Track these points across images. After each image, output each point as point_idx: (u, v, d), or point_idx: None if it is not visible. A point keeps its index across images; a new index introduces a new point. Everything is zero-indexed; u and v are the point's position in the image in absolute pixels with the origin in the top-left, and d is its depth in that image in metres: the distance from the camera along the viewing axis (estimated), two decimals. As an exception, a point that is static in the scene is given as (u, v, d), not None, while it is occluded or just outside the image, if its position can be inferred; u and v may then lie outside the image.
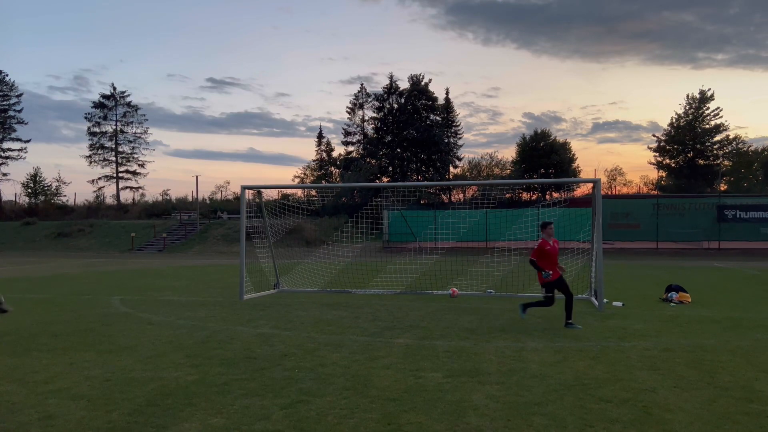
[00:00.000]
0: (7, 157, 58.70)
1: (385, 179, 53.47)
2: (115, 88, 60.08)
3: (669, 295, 11.81)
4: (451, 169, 57.28)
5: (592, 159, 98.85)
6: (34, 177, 58.71)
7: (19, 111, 58.39)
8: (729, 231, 29.91)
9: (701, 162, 52.24)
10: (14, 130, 58.38)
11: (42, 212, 52.05)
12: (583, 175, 53.52)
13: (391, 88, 55.25)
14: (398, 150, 54.73)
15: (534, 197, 49.66)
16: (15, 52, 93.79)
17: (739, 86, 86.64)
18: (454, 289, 13.01)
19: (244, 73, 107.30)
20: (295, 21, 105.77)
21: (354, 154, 55.85)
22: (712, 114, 51.79)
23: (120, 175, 61.03)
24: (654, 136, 54.73)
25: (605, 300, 11.15)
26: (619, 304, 11.27)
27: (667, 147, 53.23)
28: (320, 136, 59.89)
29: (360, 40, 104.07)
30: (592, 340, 7.94)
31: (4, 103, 57.70)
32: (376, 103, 55.85)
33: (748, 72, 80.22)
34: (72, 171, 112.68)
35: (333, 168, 57.64)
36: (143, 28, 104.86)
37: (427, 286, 14.26)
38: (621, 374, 6.07)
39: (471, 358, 6.82)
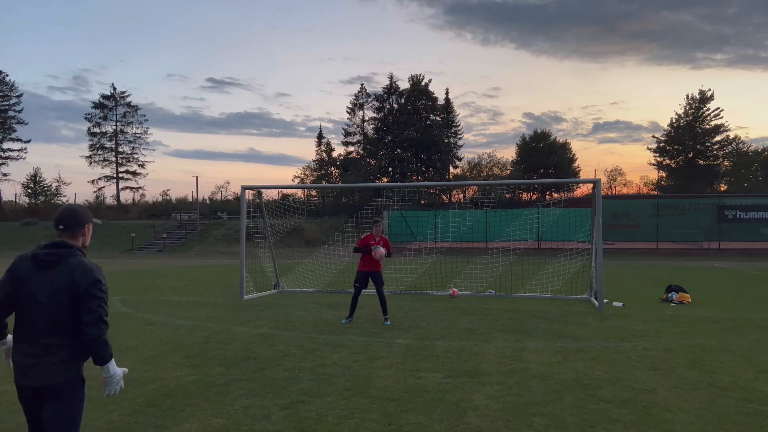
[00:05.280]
0: (7, 158, 58.57)
1: (384, 180, 53.44)
2: (115, 89, 59.98)
3: (669, 295, 11.82)
4: (451, 169, 57.28)
5: (593, 159, 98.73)
6: (34, 177, 58.62)
7: (19, 111, 58.34)
8: (729, 231, 29.89)
9: (701, 162, 52.21)
10: (14, 131, 58.26)
11: (42, 212, 51.94)
12: (583, 175, 53.55)
13: (391, 89, 55.22)
14: (398, 150, 54.69)
15: (534, 197, 49.65)
16: (14, 52, 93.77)
17: (738, 86, 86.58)
18: (454, 289, 13.01)
19: (243, 73, 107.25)
20: (293, 21, 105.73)
21: (354, 155, 55.82)
22: (712, 114, 51.81)
23: (120, 175, 60.97)
24: (654, 136, 54.74)
25: (605, 300, 11.15)
26: (619, 304, 11.28)
27: (667, 147, 53.24)
28: (320, 137, 59.79)
29: (359, 40, 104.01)
30: (593, 340, 7.94)
31: (4, 103, 57.59)
32: (376, 104, 55.81)
33: (747, 72, 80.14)
34: (72, 171, 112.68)
35: (333, 168, 57.61)
36: (143, 28, 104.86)
37: (427, 286, 14.26)
38: (621, 374, 6.07)
39: (471, 359, 6.82)
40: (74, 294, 2.89)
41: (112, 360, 2.98)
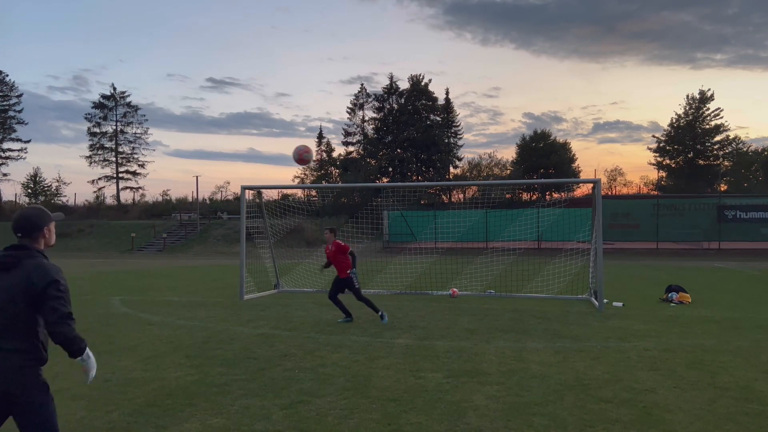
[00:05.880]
0: (7, 158, 58.62)
1: (384, 180, 53.44)
2: (115, 89, 59.97)
3: (669, 295, 11.82)
4: (451, 169, 57.29)
5: (593, 159, 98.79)
6: (34, 177, 58.62)
7: (19, 111, 58.35)
8: (729, 231, 29.90)
9: (701, 162, 52.24)
10: (14, 131, 58.27)
11: (42, 212, 51.95)
12: (583, 176, 53.50)
13: (391, 89, 55.21)
14: (398, 150, 54.70)
15: (534, 197, 49.65)
16: (14, 52, 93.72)
17: (738, 86, 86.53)
18: (455, 289, 13.01)
19: (243, 73, 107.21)
20: (293, 21, 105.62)
21: (354, 155, 55.83)
22: (712, 114, 51.83)
23: (120, 175, 60.96)
24: (654, 136, 54.79)
25: (605, 300, 11.14)
26: (619, 304, 11.27)
27: (667, 147, 53.26)
28: (320, 137, 59.88)
29: (359, 40, 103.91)
30: (593, 340, 7.94)
31: (4, 103, 57.55)
32: (376, 104, 55.82)
33: (747, 72, 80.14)
34: (72, 171, 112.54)
35: (333, 168, 57.61)
36: (143, 28, 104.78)
37: (427, 286, 14.26)
38: (621, 374, 6.07)
39: (471, 359, 6.82)
40: (31, 295, 2.84)
41: (87, 348, 3.00)
